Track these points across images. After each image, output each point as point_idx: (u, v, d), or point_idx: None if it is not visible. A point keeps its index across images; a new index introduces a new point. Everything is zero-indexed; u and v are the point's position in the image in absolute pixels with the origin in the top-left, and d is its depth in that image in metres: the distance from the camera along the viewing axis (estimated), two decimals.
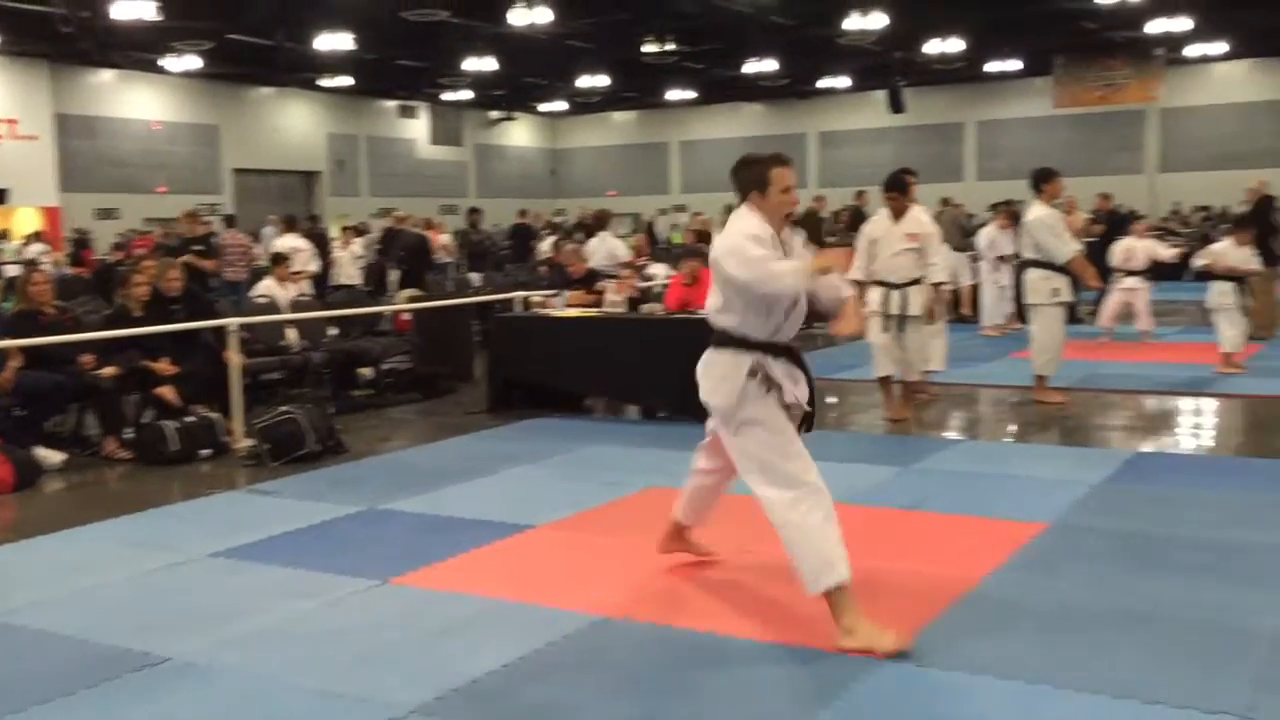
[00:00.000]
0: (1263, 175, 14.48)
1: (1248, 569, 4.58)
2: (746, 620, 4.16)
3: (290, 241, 13.63)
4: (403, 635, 4.13)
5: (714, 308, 4.18)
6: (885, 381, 8.25)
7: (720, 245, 4.09)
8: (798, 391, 4.11)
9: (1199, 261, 10.07)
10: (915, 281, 7.81)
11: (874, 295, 7.92)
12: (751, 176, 4.14)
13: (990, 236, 13.44)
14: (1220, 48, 26.43)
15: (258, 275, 12.97)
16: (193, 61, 22.76)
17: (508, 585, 4.66)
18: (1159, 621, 4.04)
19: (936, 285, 7.94)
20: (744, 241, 4.00)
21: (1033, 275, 8.60)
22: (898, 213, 7.93)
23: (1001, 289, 13.10)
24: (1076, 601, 4.28)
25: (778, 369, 4.08)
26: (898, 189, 7.97)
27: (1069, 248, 8.43)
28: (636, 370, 8.43)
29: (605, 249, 12.25)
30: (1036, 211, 8.53)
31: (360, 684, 3.69)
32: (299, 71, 25.53)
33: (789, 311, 4.10)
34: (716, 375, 4.17)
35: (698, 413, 8.04)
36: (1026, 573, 4.63)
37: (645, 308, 9.02)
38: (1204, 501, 5.67)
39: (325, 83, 26.72)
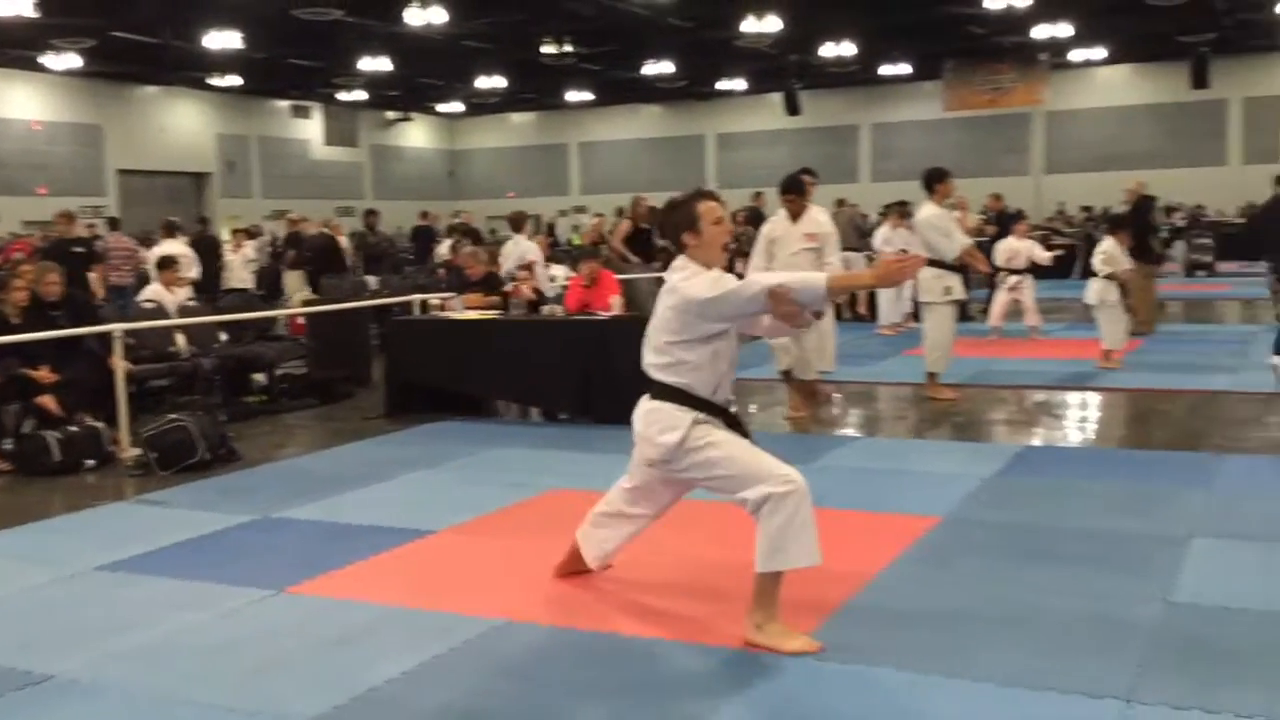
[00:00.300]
0: (1141, 176, 14.99)
1: (1128, 558, 4.74)
2: (649, 620, 4.18)
3: (173, 247, 13.26)
4: (299, 645, 4.06)
5: (660, 362, 4.12)
6: (789, 378, 8.37)
7: (689, 285, 3.98)
8: None
9: (1104, 269, 10.29)
10: None
11: None
12: (680, 219, 4.11)
13: (884, 236, 13.73)
14: (1101, 53, 27.37)
15: (144, 280, 12.62)
16: (74, 59, 22.05)
17: (407, 592, 4.60)
18: (1046, 611, 4.16)
19: None
20: (705, 278, 3.98)
21: (925, 274, 8.74)
22: (795, 214, 8.05)
23: (898, 288, 13.35)
24: (968, 593, 4.39)
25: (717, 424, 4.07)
26: (795, 190, 8.09)
27: (957, 243, 8.64)
28: (537, 372, 8.41)
29: (518, 251, 12.18)
30: (925, 211, 8.77)
31: (255, 697, 3.61)
32: (186, 70, 24.90)
33: (731, 360, 4.13)
34: (660, 425, 4.10)
35: (598, 414, 8.11)
36: (920, 566, 4.74)
37: (545, 309, 9.00)
38: (1088, 492, 5.86)
39: (215, 82, 26.10)
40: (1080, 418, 8.48)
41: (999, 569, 4.66)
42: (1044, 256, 12.75)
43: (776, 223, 8.21)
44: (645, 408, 4.20)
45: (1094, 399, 8.97)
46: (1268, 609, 4.09)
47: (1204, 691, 3.41)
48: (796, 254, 7.94)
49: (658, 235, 13.06)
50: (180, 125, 28.95)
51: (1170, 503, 5.60)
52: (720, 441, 4.01)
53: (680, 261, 4.11)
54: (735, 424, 4.13)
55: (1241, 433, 7.38)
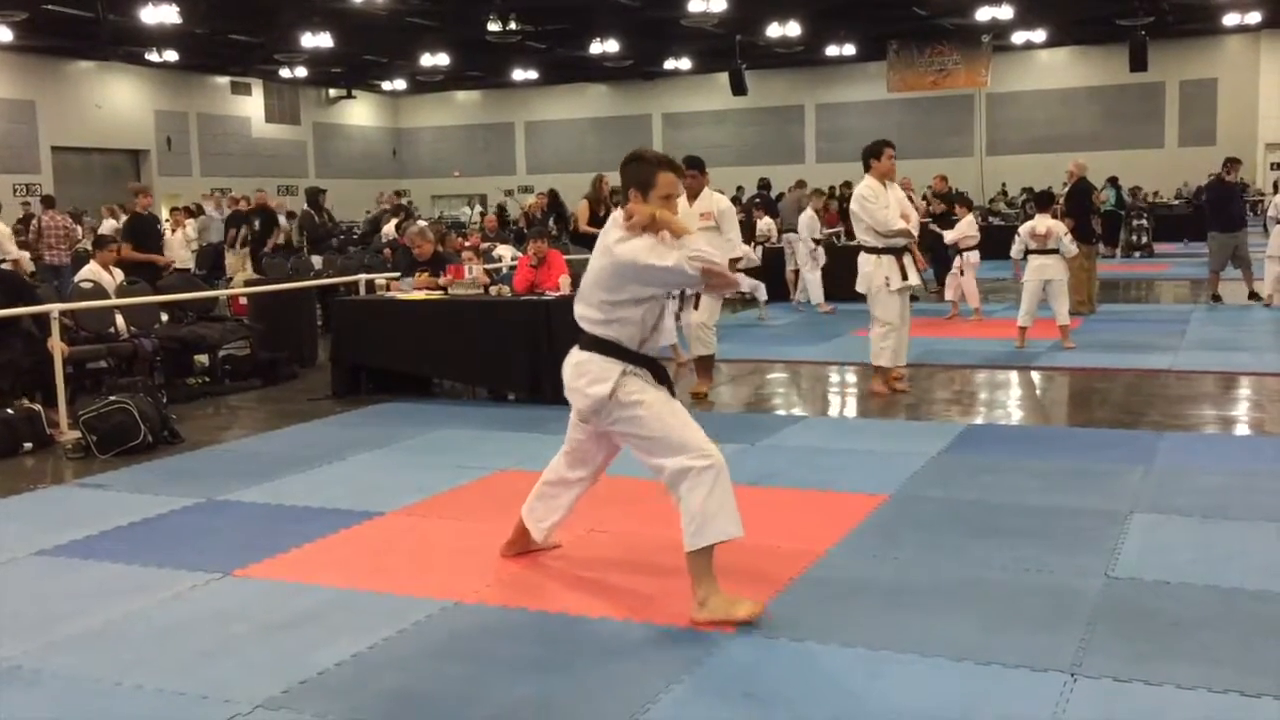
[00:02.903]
0: (1080, 158, 15.20)
1: (1071, 534, 4.82)
2: (599, 600, 4.19)
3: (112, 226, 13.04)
4: (247, 629, 4.01)
5: (593, 317, 4.08)
6: (700, 359, 8.43)
7: (623, 249, 3.94)
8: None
9: (1024, 240, 10.53)
10: None
11: None
12: (636, 175, 4.04)
13: (808, 220, 13.82)
14: (1041, 35, 27.68)
15: (81, 259, 12.38)
16: (5, 33, 21.53)
17: (356, 574, 4.57)
18: (992, 586, 4.22)
19: (734, 261, 7.95)
20: (641, 243, 3.93)
21: (864, 264, 8.56)
22: (693, 193, 7.97)
23: (823, 271, 13.64)
24: (916, 569, 4.45)
25: (646, 376, 4.09)
26: (696, 168, 8.02)
27: (893, 221, 8.40)
28: (485, 353, 8.37)
29: None
30: (858, 188, 8.38)
31: (203, 681, 3.57)
32: (123, 45, 24.40)
33: (656, 325, 4.12)
34: (590, 376, 4.08)
35: (547, 395, 8.08)
36: (869, 543, 4.78)
37: (493, 289, 8.94)
38: (1031, 470, 5.95)
39: (152, 57, 25.57)
40: (1023, 397, 8.60)
41: (946, 545, 4.72)
42: (950, 236, 12.88)
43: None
44: (575, 359, 4.17)
45: (1037, 378, 9.10)
46: (1206, 583, 4.18)
47: (1145, 664, 3.48)
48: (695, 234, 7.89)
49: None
50: (117, 101, 28.37)
51: (1111, 479, 5.70)
52: (650, 401, 4.02)
53: (618, 217, 4.03)
54: (663, 379, 4.15)
55: (1179, 410, 7.53)
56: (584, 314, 4.13)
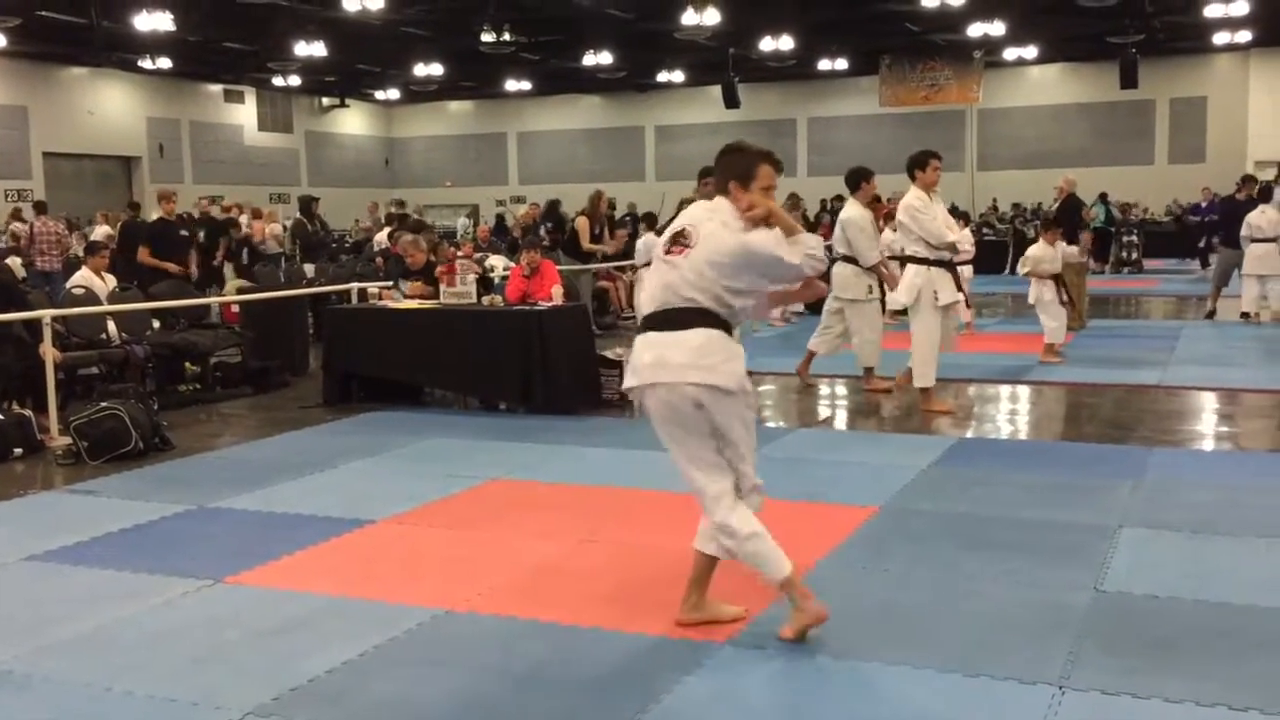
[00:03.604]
0: (1070, 174, 15.27)
1: (1061, 547, 4.84)
2: (591, 609, 4.19)
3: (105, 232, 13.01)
4: (239, 635, 4.01)
5: (703, 302, 3.76)
6: None
7: (757, 239, 3.75)
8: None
9: (1022, 269, 10.64)
10: None
11: None
12: (737, 166, 3.84)
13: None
14: (1033, 52, 27.81)
15: (73, 266, 12.36)
16: None
17: (347, 581, 4.57)
18: (981, 599, 4.24)
19: None
20: (771, 234, 3.77)
21: (846, 272, 8.87)
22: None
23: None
24: (905, 582, 4.46)
25: None
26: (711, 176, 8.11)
27: (874, 252, 8.76)
28: (477, 362, 8.38)
29: None
30: (850, 211, 8.86)
31: (194, 687, 3.57)
32: (116, 51, 24.36)
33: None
34: (724, 354, 3.76)
35: (538, 404, 8.10)
36: (859, 555, 4.80)
37: (486, 299, 8.95)
38: (1021, 484, 5.97)
39: (145, 64, 25.55)
40: (1013, 410, 8.64)
41: (936, 558, 4.74)
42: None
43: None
44: (694, 339, 3.75)
45: (1027, 392, 9.14)
46: (1194, 597, 4.20)
47: (1133, 678, 3.50)
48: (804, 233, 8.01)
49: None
50: (109, 108, 28.31)
51: (1101, 494, 5.72)
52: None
53: (722, 204, 3.84)
54: None
55: (1169, 426, 7.57)
56: (693, 297, 3.76)
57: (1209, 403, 8.51)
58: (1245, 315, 13.45)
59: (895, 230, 13.87)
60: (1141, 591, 4.28)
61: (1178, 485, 5.89)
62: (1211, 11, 21.61)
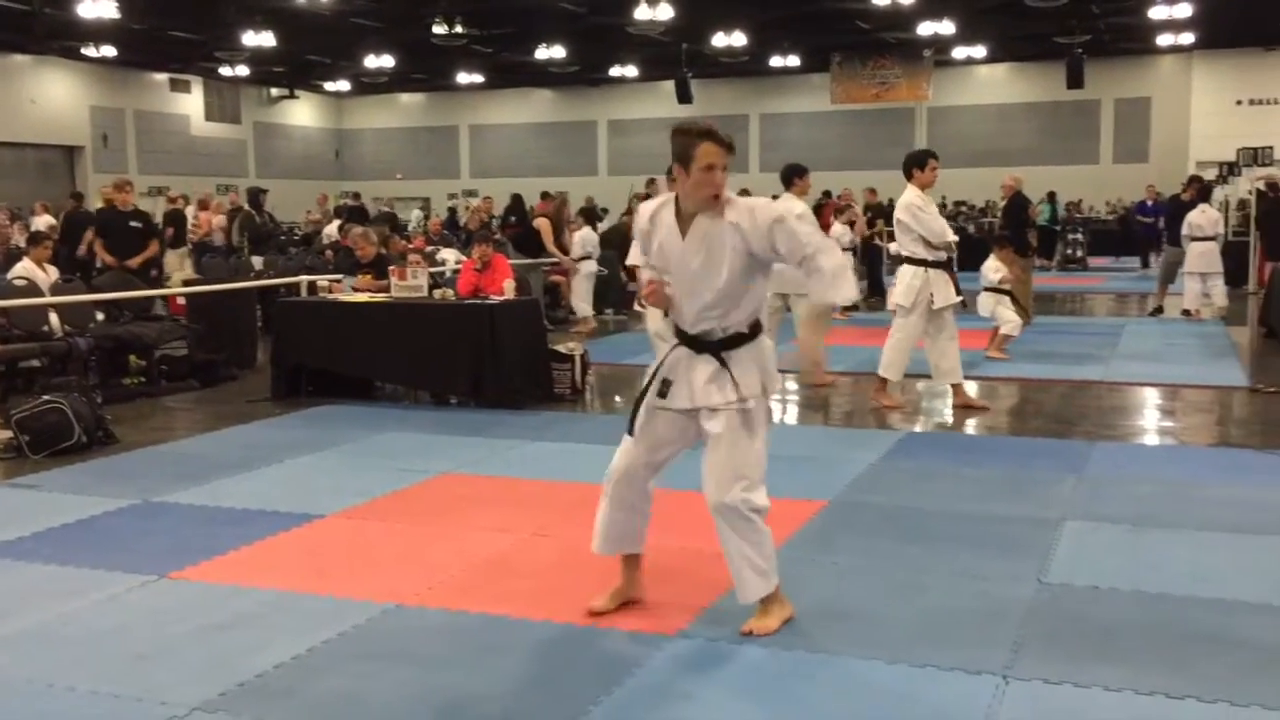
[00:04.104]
0: (1017, 172, 15.47)
1: (1005, 540, 4.92)
2: (541, 603, 4.19)
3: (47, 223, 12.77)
4: (183, 631, 3.97)
5: (733, 318, 3.80)
6: None
7: (781, 207, 3.77)
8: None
9: (994, 276, 10.80)
10: None
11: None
12: (678, 148, 3.73)
13: None
14: (981, 51, 28.13)
15: (14, 256, 12.13)
16: None
17: (295, 576, 4.54)
18: (928, 590, 4.30)
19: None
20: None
21: (910, 276, 8.64)
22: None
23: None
24: (853, 574, 4.51)
25: None
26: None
27: (948, 232, 8.62)
28: (428, 356, 8.34)
29: None
30: (906, 197, 8.35)
31: (138, 683, 3.53)
32: (59, 39, 23.92)
33: None
34: (767, 360, 3.89)
35: (489, 398, 8.07)
36: (808, 548, 4.84)
37: (437, 293, 8.90)
38: (967, 478, 6.05)
39: (89, 52, 25.12)
40: (961, 405, 8.72)
41: (883, 551, 4.79)
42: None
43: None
44: (748, 351, 3.83)
45: (973, 388, 9.23)
46: (1134, 588, 4.28)
47: (1075, 667, 3.56)
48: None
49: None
50: (51, 96, 27.80)
51: (1044, 487, 5.81)
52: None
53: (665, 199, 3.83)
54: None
55: (1111, 421, 7.69)
56: (719, 314, 3.80)
57: (1151, 398, 8.66)
58: (1186, 312, 13.71)
59: (851, 225, 14.15)
60: (1083, 583, 4.36)
61: (1119, 479, 5.99)
62: (1156, 13, 21.98)
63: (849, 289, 3.85)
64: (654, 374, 3.93)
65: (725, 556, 3.92)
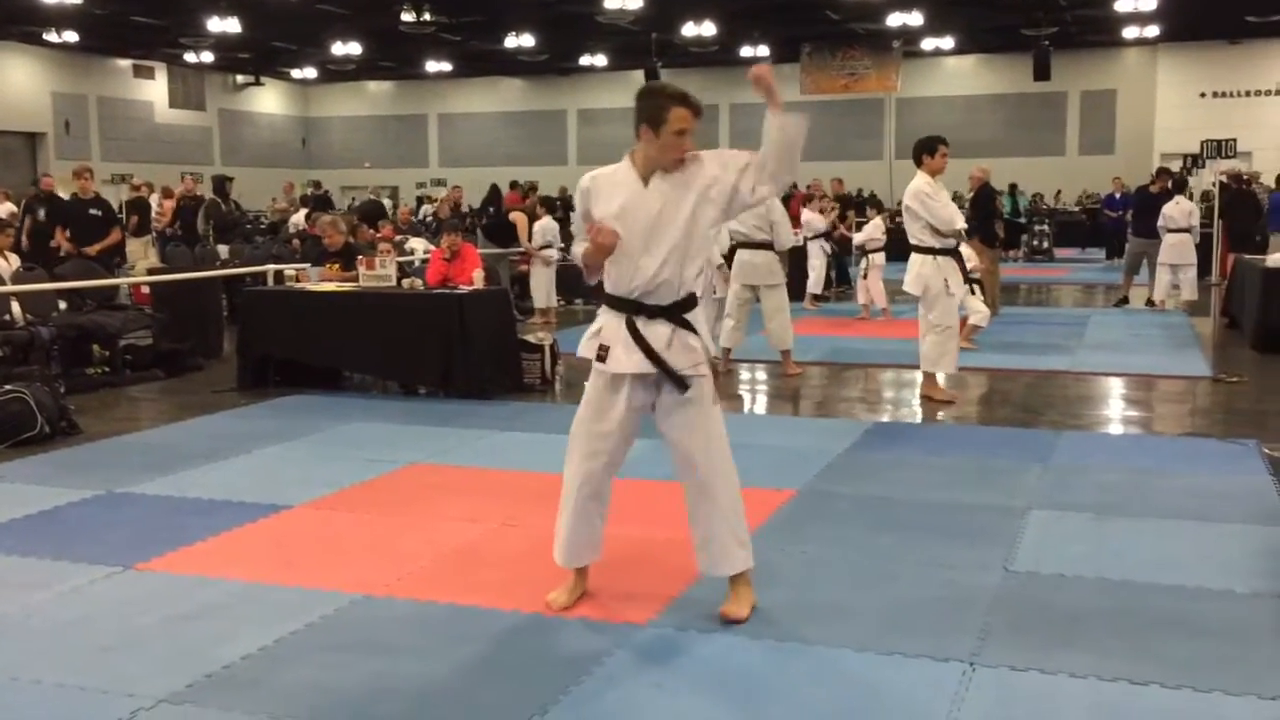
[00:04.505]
0: (985, 163, 15.56)
1: (971, 528, 4.95)
2: (511, 593, 4.19)
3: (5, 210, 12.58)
4: (150, 623, 3.94)
5: (687, 274, 3.79)
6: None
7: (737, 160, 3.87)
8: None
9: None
10: None
11: None
12: (648, 109, 3.74)
13: None
14: (949, 42, 28.25)
15: None
16: None
17: (263, 567, 4.51)
18: (895, 579, 4.33)
19: None
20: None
21: (763, 258, 8.96)
22: None
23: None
24: (822, 563, 4.53)
25: None
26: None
27: (790, 236, 8.91)
28: (396, 346, 8.30)
29: None
30: (916, 184, 8.01)
31: (104, 675, 3.50)
32: (19, 24, 23.57)
33: None
34: (697, 339, 3.85)
35: (458, 388, 8.05)
36: (777, 537, 4.85)
37: (406, 282, 8.86)
38: (934, 467, 6.10)
39: (50, 37, 24.76)
40: (928, 395, 8.77)
41: (851, 540, 4.82)
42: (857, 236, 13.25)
43: None
44: (697, 313, 3.85)
45: (941, 378, 9.29)
46: (1099, 576, 4.33)
47: (1041, 654, 3.60)
48: None
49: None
50: (12, 82, 27.40)
51: (1010, 476, 5.86)
52: None
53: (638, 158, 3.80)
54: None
55: (1077, 410, 7.77)
56: (685, 277, 3.80)
57: (1116, 388, 8.75)
58: (1150, 303, 13.85)
59: (822, 213, 14.20)
60: (1049, 571, 4.40)
61: (1084, 468, 6.05)
62: (1121, 6, 22.15)
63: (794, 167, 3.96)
64: (599, 341, 3.85)
65: (702, 533, 3.92)
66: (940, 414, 7.71)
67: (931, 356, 7.94)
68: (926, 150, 7.75)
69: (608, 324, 3.85)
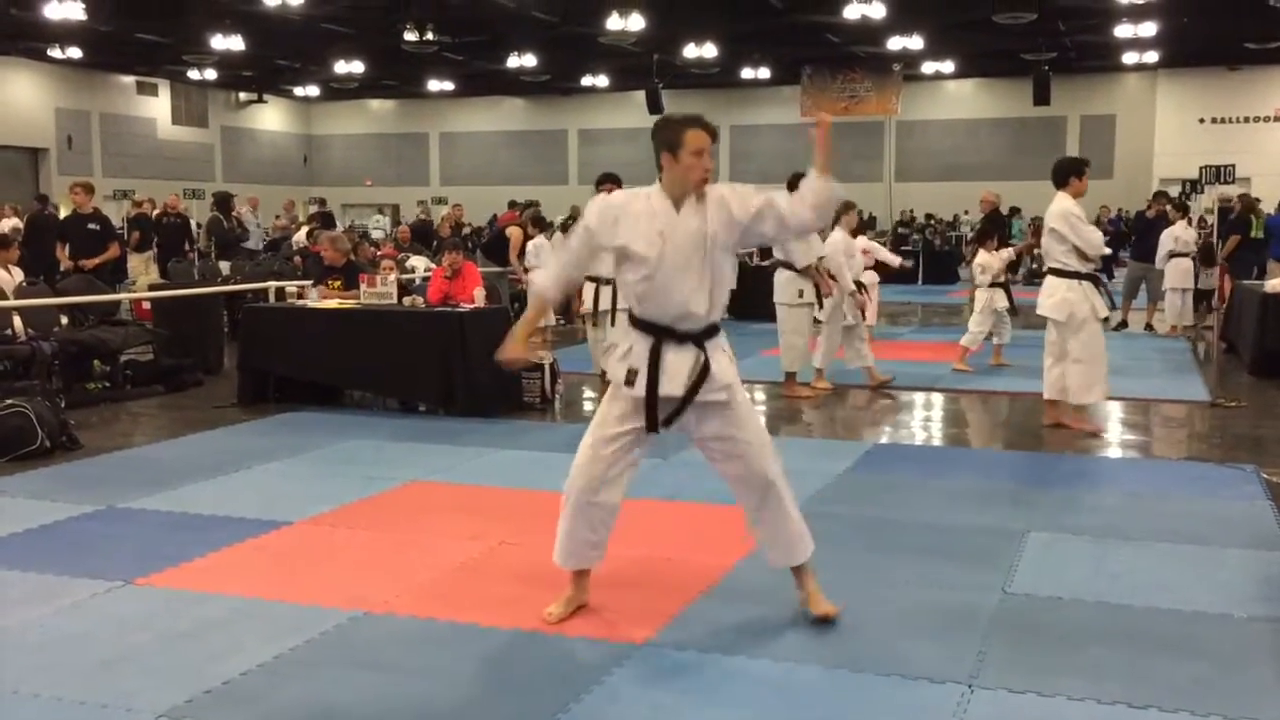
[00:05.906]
0: (985, 187, 15.63)
1: (970, 551, 4.96)
2: (508, 611, 4.19)
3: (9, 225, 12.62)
4: (149, 638, 3.94)
5: (717, 299, 3.92)
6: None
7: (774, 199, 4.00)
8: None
9: (984, 279, 10.91)
10: None
11: (589, 291, 8.47)
12: (665, 137, 3.90)
13: None
14: (950, 66, 28.41)
15: None
16: None
17: (263, 583, 4.51)
18: (893, 600, 4.33)
19: None
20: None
21: (781, 277, 9.02)
22: None
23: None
24: (821, 584, 4.52)
25: None
26: (612, 181, 8.14)
27: (814, 251, 8.87)
28: (397, 363, 8.31)
29: None
30: (1063, 205, 7.65)
31: (103, 690, 3.50)
32: (24, 40, 23.68)
33: None
34: (728, 360, 4.01)
35: (459, 407, 8.06)
36: None
37: (407, 300, 8.88)
38: (933, 489, 6.10)
39: (55, 53, 24.86)
40: (927, 418, 8.81)
41: (850, 561, 4.82)
42: (894, 260, 13.24)
43: None
44: (719, 346, 3.96)
45: (941, 400, 9.32)
46: (1098, 599, 4.34)
47: (1039, 677, 3.60)
48: None
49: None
50: (16, 98, 27.52)
51: (1009, 499, 5.87)
52: None
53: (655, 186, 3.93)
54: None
55: (1077, 433, 7.76)
56: (706, 300, 3.90)
57: (1116, 412, 8.75)
58: (1149, 327, 13.89)
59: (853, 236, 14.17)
60: (1047, 594, 4.40)
61: (1084, 492, 6.06)
62: (1121, 32, 22.28)
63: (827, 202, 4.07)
64: (629, 365, 3.90)
65: (769, 529, 4.08)
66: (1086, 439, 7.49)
67: (1080, 387, 7.53)
68: (1075, 172, 7.48)
69: (637, 347, 3.90)
